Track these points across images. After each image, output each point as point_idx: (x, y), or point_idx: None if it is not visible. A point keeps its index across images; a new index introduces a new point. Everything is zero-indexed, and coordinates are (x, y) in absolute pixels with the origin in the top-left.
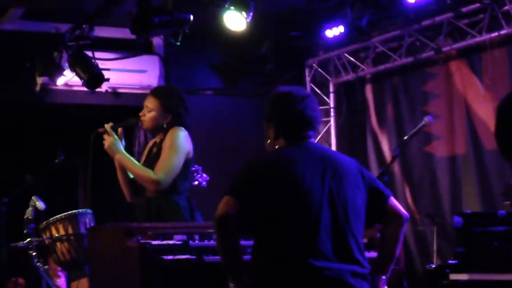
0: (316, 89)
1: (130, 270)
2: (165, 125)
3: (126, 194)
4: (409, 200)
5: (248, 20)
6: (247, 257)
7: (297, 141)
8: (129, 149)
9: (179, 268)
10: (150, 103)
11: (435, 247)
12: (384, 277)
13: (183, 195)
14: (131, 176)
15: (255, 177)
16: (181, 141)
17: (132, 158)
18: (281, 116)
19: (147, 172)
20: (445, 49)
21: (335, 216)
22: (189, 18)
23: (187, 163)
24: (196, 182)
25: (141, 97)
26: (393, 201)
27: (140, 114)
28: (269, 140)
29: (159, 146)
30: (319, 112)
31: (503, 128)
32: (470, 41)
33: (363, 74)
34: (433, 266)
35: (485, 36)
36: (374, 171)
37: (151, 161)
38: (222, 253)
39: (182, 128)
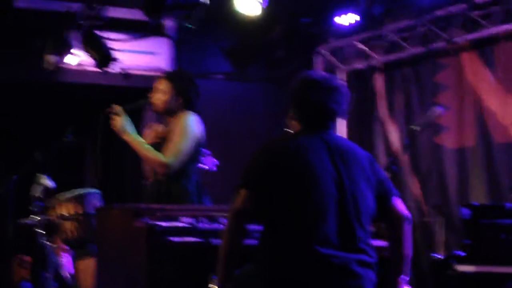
0: None
1: (137, 251)
2: (175, 109)
3: (146, 171)
4: (417, 190)
5: (263, 5)
6: (252, 241)
7: (315, 130)
8: (138, 130)
9: (186, 250)
10: (162, 85)
11: (442, 239)
12: (403, 278)
13: (193, 179)
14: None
15: (267, 165)
16: (192, 125)
17: (141, 140)
18: (301, 103)
19: (156, 155)
20: (457, 40)
21: (344, 205)
22: (202, 0)
23: (198, 147)
24: (206, 167)
25: (150, 79)
26: (398, 201)
27: (150, 96)
28: (291, 121)
29: (169, 130)
30: (344, 104)
31: None
32: (482, 33)
33: (374, 63)
34: (440, 257)
35: (498, 28)
36: (381, 160)
37: (160, 145)
38: (224, 251)
39: (193, 113)
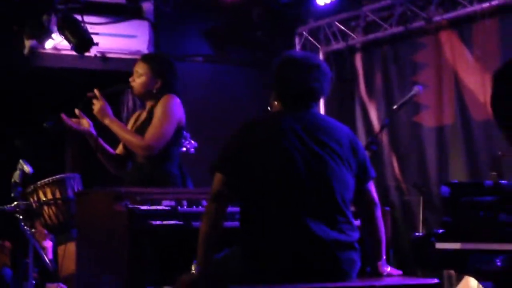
0: None
1: (118, 235)
2: (155, 91)
3: (108, 167)
4: (396, 169)
5: None
6: (233, 223)
7: (295, 109)
8: (117, 115)
9: (167, 233)
10: (140, 68)
11: (421, 217)
12: (382, 261)
13: (175, 162)
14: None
15: (243, 147)
16: (173, 108)
17: (122, 123)
18: (282, 83)
19: (137, 138)
20: (436, 19)
21: (321, 184)
22: None
23: (179, 130)
24: (184, 149)
25: (130, 62)
26: (372, 185)
27: (130, 79)
28: (273, 102)
29: (150, 113)
30: (326, 83)
31: (499, 97)
32: (461, 12)
33: (353, 43)
34: (419, 235)
35: (476, 7)
36: (362, 139)
37: (141, 128)
38: (203, 235)
39: (174, 95)
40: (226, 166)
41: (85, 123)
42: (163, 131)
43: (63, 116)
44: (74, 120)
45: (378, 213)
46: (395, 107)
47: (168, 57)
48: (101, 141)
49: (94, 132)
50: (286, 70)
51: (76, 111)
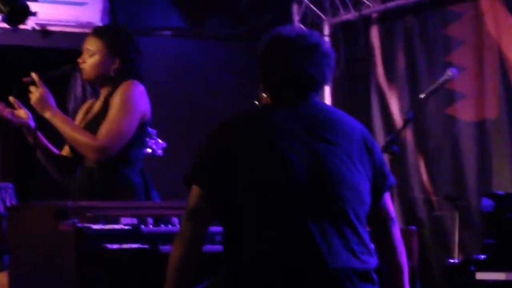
0: None
1: (63, 262)
2: (112, 73)
3: (51, 173)
4: (424, 177)
5: None
6: (214, 246)
7: (289, 102)
8: (62, 106)
9: (127, 260)
10: (91, 45)
11: (456, 238)
12: None
13: (136, 167)
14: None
15: (222, 153)
16: (135, 97)
17: (67, 117)
18: (270, 69)
19: (87, 136)
20: None
21: (327, 195)
22: None
23: (142, 126)
24: (150, 150)
25: (78, 37)
26: (388, 197)
27: (79, 60)
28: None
29: (105, 104)
30: (328, 67)
31: None
32: None
33: (368, 12)
34: (455, 262)
35: None
36: (380, 138)
37: (93, 123)
38: (177, 261)
39: (136, 82)
40: (204, 176)
41: (23, 114)
42: (121, 128)
43: None
44: (7, 110)
45: (396, 231)
46: (422, 96)
47: (127, 30)
48: (42, 137)
49: (33, 125)
50: (275, 52)
51: (11, 99)
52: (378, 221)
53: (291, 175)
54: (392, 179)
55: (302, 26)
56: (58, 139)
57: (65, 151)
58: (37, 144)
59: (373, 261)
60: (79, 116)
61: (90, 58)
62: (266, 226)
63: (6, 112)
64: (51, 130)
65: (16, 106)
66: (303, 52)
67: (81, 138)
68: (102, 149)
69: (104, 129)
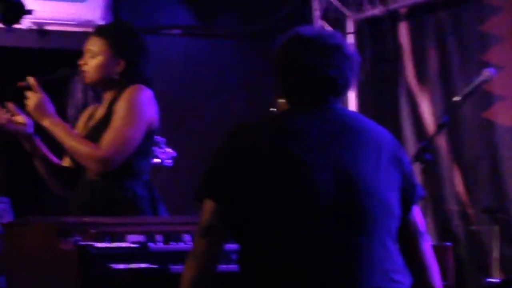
0: (328, 27)
1: (64, 284)
2: (116, 76)
3: (51, 186)
4: (460, 188)
5: None
6: (229, 266)
7: (307, 107)
8: (61, 112)
9: (135, 281)
10: (94, 45)
11: (496, 255)
12: None
13: (142, 179)
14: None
15: (236, 163)
16: (141, 103)
17: (66, 125)
18: (287, 71)
19: (89, 146)
20: None
21: (354, 209)
22: None
23: (149, 135)
24: (158, 160)
25: (78, 37)
26: (417, 209)
27: (80, 61)
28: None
29: (109, 110)
30: (350, 71)
31: None
32: None
33: (396, 7)
34: (494, 281)
35: None
36: (410, 145)
37: (95, 130)
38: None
39: (144, 87)
40: (218, 188)
41: (21, 120)
42: (126, 137)
43: None
44: (4, 116)
45: (427, 247)
46: (456, 98)
47: (133, 29)
48: (41, 146)
49: (32, 132)
50: (291, 52)
51: (10, 105)
52: (407, 236)
53: (313, 187)
54: (421, 191)
55: (323, 23)
56: (57, 148)
57: (66, 161)
58: (36, 153)
59: (406, 281)
60: (80, 123)
61: (92, 59)
62: (287, 243)
63: (3, 119)
64: (50, 138)
65: (13, 111)
66: (322, 53)
67: (82, 148)
68: (105, 160)
69: (107, 138)
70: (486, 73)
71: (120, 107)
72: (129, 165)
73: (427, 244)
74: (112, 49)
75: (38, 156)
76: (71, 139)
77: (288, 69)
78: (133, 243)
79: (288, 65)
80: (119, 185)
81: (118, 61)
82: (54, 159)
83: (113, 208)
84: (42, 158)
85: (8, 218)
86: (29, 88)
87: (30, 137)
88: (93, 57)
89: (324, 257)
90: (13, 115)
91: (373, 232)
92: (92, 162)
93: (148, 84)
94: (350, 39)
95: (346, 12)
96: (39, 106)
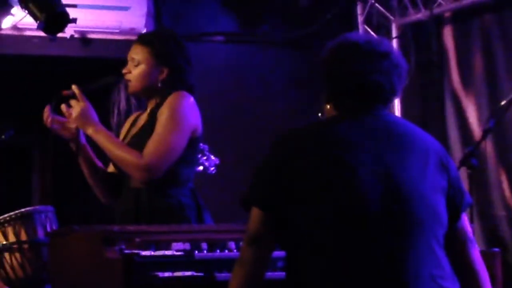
0: (371, 32)
1: None
2: (159, 85)
3: (98, 194)
4: (507, 192)
5: None
6: (275, 273)
7: (355, 114)
8: (104, 120)
9: None
10: (137, 53)
11: None
12: None
13: (187, 187)
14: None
15: (286, 168)
16: (184, 111)
17: (110, 134)
18: (334, 77)
19: (132, 155)
20: None
21: (399, 218)
22: None
23: (193, 142)
24: (201, 168)
25: (121, 45)
26: (464, 217)
27: (123, 70)
28: (325, 105)
29: (152, 117)
30: (398, 78)
31: None
32: None
33: (440, 11)
34: None
35: None
36: (457, 151)
37: (139, 137)
38: None
39: (187, 94)
40: (265, 196)
41: (72, 127)
42: (169, 145)
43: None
44: (56, 119)
45: (476, 254)
46: (504, 102)
47: (177, 36)
48: (88, 148)
49: (84, 140)
50: (339, 57)
51: (63, 107)
52: (455, 243)
53: (362, 194)
54: (469, 198)
55: (367, 28)
56: (102, 156)
57: (110, 169)
58: (86, 161)
59: (454, 287)
60: (124, 130)
61: (136, 68)
62: (334, 250)
63: (53, 121)
64: (94, 147)
65: (68, 116)
66: (371, 59)
67: (125, 156)
68: (149, 169)
69: (151, 146)
70: None
71: (163, 114)
72: (173, 173)
73: (476, 251)
74: (155, 58)
75: (88, 165)
76: (115, 147)
77: (336, 74)
78: (178, 251)
79: (336, 70)
80: (164, 193)
81: (161, 69)
82: (100, 163)
83: (158, 216)
84: (92, 167)
85: (52, 227)
86: (73, 96)
87: (81, 146)
88: (136, 65)
89: (373, 263)
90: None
91: (421, 238)
92: (135, 171)
93: (191, 91)
94: (394, 43)
95: (390, 16)
96: (83, 114)
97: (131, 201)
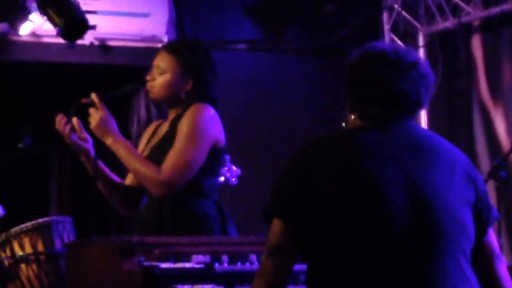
0: (398, 41)
1: None
2: (183, 95)
3: (118, 207)
4: None
5: None
6: (298, 287)
7: (380, 123)
8: (124, 129)
9: None
10: (163, 61)
11: None
12: None
13: (211, 198)
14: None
15: (307, 181)
16: (205, 123)
17: (131, 145)
18: (359, 85)
19: (151, 169)
20: None
21: (427, 232)
22: None
23: (215, 154)
24: (222, 178)
25: (142, 52)
26: (491, 232)
27: (148, 77)
28: (349, 114)
29: (173, 127)
30: (425, 88)
31: None
32: None
33: (468, 20)
34: None
35: None
36: (485, 163)
37: (159, 147)
38: None
39: (208, 106)
40: (287, 208)
41: (84, 138)
42: (189, 159)
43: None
44: (69, 126)
45: (503, 269)
46: None
47: (205, 47)
48: (103, 166)
49: (93, 153)
50: (365, 66)
51: (75, 120)
52: (482, 258)
53: (387, 205)
54: (496, 212)
55: (394, 37)
56: (120, 165)
57: (129, 179)
58: (97, 174)
59: None
60: (144, 139)
61: (161, 76)
62: (359, 265)
63: (68, 129)
64: (113, 156)
65: (78, 128)
66: (397, 68)
67: (144, 170)
68: (167, 184)
69: (170, 161)
70: None
71: (184, 126)
72: (196, 184)
73: (503, 267)
74: (181, 67)
75: (100, 177)
76: (133, 159)
77: (362, 81)
78: (198, 263)
79: (362, 77)
80: (187, 204)
81: (187, 80)
82: (116, 178)
83: (181, 227)
84: (105, 179)
85: (70, 238)
86: (92, 105)
87: (91, 158)
88: (161, 73)
89: (398, 277)
90: (75, 130)
91: (448, 251)
92: (153, 186)
93: (214, 104)
94: (421, 52)
95: (417, 25)
96: (102, 124)
97: (154, 211)
